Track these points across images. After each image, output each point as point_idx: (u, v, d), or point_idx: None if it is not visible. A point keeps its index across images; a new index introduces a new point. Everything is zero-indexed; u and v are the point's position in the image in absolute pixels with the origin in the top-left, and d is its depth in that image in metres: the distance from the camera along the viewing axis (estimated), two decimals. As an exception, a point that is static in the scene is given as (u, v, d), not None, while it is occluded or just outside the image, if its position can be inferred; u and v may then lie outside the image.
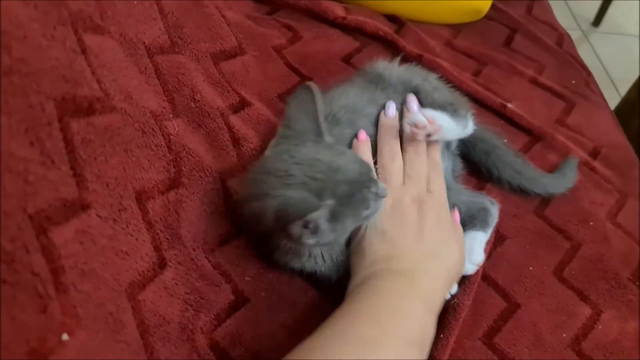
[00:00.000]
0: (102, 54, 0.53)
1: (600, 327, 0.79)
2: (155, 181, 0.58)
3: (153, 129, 0.58)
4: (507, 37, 1.20)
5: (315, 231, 0.58)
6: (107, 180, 0.50)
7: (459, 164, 0.89)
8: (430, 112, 0.78)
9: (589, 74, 1.20)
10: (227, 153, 0.75)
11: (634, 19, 2.67)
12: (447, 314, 0.72)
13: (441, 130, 0.76)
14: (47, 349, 0.38)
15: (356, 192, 0.59)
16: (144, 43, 0.66)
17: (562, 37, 1.25)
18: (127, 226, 0.52)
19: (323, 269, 0.67)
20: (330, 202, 0.57)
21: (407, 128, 0.75)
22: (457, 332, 0.71)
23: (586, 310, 0.80)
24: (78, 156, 0.46)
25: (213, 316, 0.58)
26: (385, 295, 0.60)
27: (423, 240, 0.67)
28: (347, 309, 0.58)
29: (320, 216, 0.57)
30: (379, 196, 0.62)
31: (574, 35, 2.62)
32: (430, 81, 0.85)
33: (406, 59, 1.05)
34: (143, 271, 0.52)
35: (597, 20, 2.66)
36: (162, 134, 0.60)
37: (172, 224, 0.59)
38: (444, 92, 0.86)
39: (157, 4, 0.71)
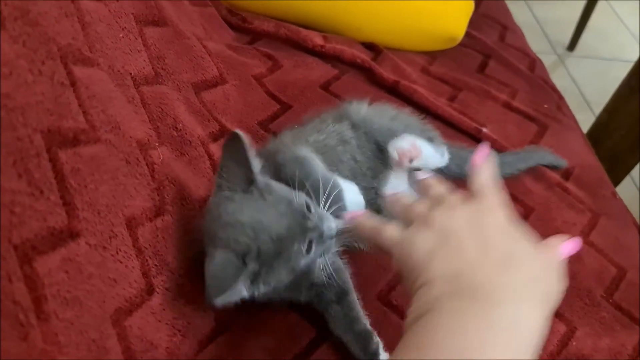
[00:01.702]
0: (92, 85, 0.55)
1: (574, 343, 0.81)
2: (143, 208, 0.59)
3: (137, 159, 0.60)
4: (481, 63, 1.24)
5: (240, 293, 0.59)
6: (99, 207, 0.52)
7: None
8: (412, 137, 0.81)
9: (561, 97, 1.24)
10: (208, 180, 0.77)
11: (608, 43, 2.76)
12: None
13: (421, 155, 0.78)
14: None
15: (282, 249, 0.58)
16: (131, 74, 0.68)
17: (534, 62, 1.30)
18: (117, 253, 0.53)
19: (280, 295, 0.67)
20: (252, 265, 0.57)
21: (393, 154, 0.78)
22: None
23: (561, 328, 0.82)
24: (68, 185, 0.48)
25: (196, 342, 0.60)
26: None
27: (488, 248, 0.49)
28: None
29: (240, 282, 0.57)
30: (323, 238, 0.62)
31: (550, 59, 2.72)
32: (400, 119, 0.88)
33: (383, 85, 1.09)
34: (130, 297, 0.53)
35: (572, 45, 2.74)
36: (146, 163, 0.62)
37: (160, 250, 0.60)
38: (415, 127, 0.88)
39: (141, 37, 0.74)
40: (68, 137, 0.49)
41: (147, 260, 0.57)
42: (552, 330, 0.81)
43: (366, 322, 0.71)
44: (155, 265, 0.59)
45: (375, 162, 0.82)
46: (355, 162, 0.80)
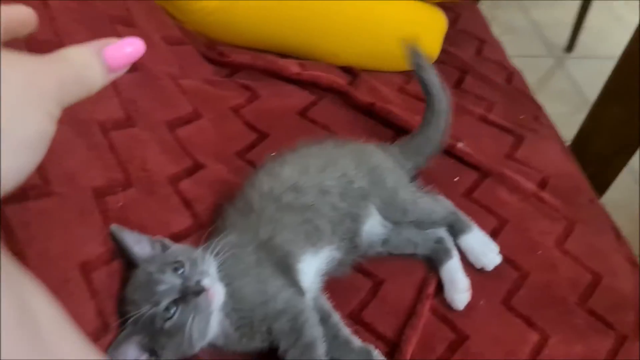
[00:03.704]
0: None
1: (547, 351, 0.83)
2: (97, 253, 0.64)
3: (91, 208, 0.65)
4: (457, 78, 1.27)
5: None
6: (50, 256, 0.56)
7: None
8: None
9: (538, 107, 1.27)
10: (181, 215, 0.81)
11: (607, 42, 2.75)
12: (394, 351, 0.77)
13: None
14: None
15: (145, 317, 0.62)
16: (98, 121, 0.73)
17: (511, 75, 1.32)
18: (70, 296, 0.58)
19: (237, 349, 0.71)
20: (135, 337, 0.63)
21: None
22: (404, 367, 0.76)
23: (534, 337, 0.84)
24: (16, 238, 0.52)
25: None
26: None
27: None
28: None
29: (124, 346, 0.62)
30: (186, 299, 0.64)
31: (548, 62, 2.73)
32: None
33: (360, 107, 1.13)
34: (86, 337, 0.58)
35: (570, 46, 2.74)
36: (99, 211, 0.66)
37: (115, 292, 0.65)
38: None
39: (112, 84, 0.78)
40: (15, 194, 0.54)
41: (102, 301, 0.62)
42: (523, 340, 0.83)
43: (357, 339, 0.75)
44: (111, 305, 0.63)
45: (356, 206, 0.84)
46: (336, 210, 0.82)
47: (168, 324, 0.63)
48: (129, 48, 0.45)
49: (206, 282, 0.65)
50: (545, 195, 1.05)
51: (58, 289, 0.58)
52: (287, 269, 0.76)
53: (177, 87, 0.94)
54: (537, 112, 1.23)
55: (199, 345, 0.66)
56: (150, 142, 0.83)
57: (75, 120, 0.69)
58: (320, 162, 0.86)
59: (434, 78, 1.00)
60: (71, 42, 0.42)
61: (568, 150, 1.20)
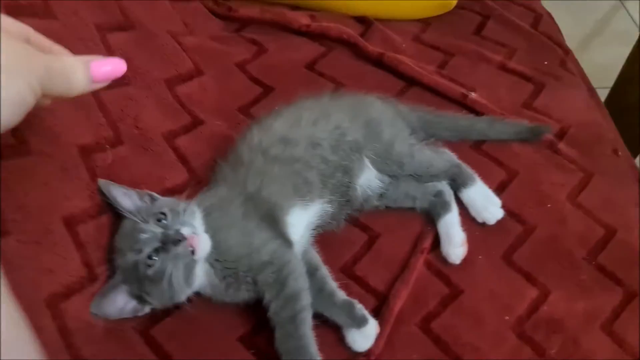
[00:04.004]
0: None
1: (545, 307, 0.81)
2: (83, 207, 0.67)
3: (76, 164, 0.68)
4: (478, 24, 1.21)
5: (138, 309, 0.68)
6: (29, 209, 0.60)
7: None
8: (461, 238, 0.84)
9: (567, 52, 1.19)
10: (177, 170, 0.83)
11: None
12: (382, 304, 0.78)
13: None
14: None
15: (130, 264, 0.66)
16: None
17: (539, 18, 1.24)
18: (54, 246, 0.61)
19: (224, 299, 0.73)
20: (123, 285, 0.66)
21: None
22: (392, 321, 0.76)
23: (533, 292, 0.82)
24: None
25: (135, 322, 0.67)
26: None
27: None
28: None
29: (113, 294, 0.66)
30: (166, 247, 0.66)
31: (608, 4, 2.54)
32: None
33: (369, 59, 1.10)
34: (68, 284, 0.61)
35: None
36: (86, 168, 0.69)
37: (105, 243, 0.68)
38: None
39: (103, 43, 0.80)
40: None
41: (88, 252, 0.65)
42: (521, 295, 0.82)
43: (342, 293, 0.76)
44: (98, 257, 0.66)
45: (348, 159, 0.84)
46: (326, 163, 0.82)
47: (150, 271, 0.66)
48: (108, 67, 0.55)
49: (185, 231, 0.67)
50: (562, 145, 1.00)
51: (40, 239, 0.62)
52: (274, 222, 0.76)
53: (178, 44, 0.95)
54: (564, 58, 1.16)
55: (183, 292, 0.69)
56: (146, 100, 0.84)
57: (61, 81, 0.71)
58: (313, 115, 0.85)
59: None
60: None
61: (596, 98, 1.13)
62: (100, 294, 0.65)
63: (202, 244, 0.69)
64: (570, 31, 1.35)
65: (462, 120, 0.99)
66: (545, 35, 1.19)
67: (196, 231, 0.69)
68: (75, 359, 0.60)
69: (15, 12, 0.65)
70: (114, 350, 0.64)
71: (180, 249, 0.67)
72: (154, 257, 0.66)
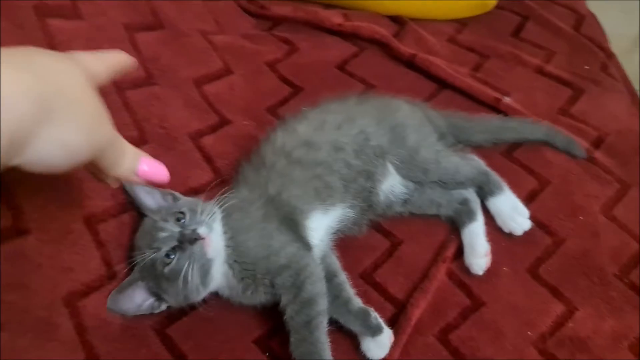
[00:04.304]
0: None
1: (571, 324, 0.78)
2: (105, 207, 0.68)
3: None
4: (517, 26, 1.18)
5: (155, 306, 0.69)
6: (51, 209, 0.61)
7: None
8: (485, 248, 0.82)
9: (610, 55, 1.14)
10: (201, 170, 0.84)
11: None
12: (400, 313, 0.77)
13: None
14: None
15: (148, 262, 0.66)
16: (114, 81, 0.76)
17: (581, 19, 1.19)
18: (74, 246, 0.63)
19: (241, 301, 0.74)
20: (141, 282, 0.67)
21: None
22: (409, 330, 0.75)
23: (558, 308, 0.79)
24: (14, 192, 0.57)
25: (152, 322, 0.68)
26: None
27: None
28: None
29: (130, 290, 0.66)
30: (183, 246, 0.66)
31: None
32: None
33: (401, 59, 1.09)
34: (88, 282, 0.63)
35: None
36: None
37: (125, 242, 0.69)
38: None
39: (130, 42, 0.82)
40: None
41: (109, 251, 0.66)
42: (545, 311, 0.79)
43: (358, 300, 0.75)
44: (119, 255, 0.67)
45: (371, 164, 0.83)
46: (349, 167, 0.81)
47: (167, 269, 0.67)
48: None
49: (201, 230, 0.68)
50: (598, 155, 0.96)
51: (60, 239, 0.63)
52: (293, 225, 0.76)
53: (208, 43, 0.96)
54: (606, 62, 1.11)
55: (199, 292, 0.69)
56: (173, 99, 0.85)
57: (88, 81, 0.72)
58: (337, 119, 0.84)
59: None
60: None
61: (637, 103, 1.08)
62: (118, 290, 0.66)
63: (214, 243, 0.69)
64: (623, 31, 1.29)
65: (493, 121, 0.97)
66: (587, 37, 1.15)
67: (212, 231, 0.70)
68: (90, 356, 0.61)
69: (43, 13, 0.67)
70: (129, 348, 0.65)
71: (196, 248, 0.67)
72: (171, 256, 0.67)
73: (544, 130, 0.95)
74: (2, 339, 0.53)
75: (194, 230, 0.67)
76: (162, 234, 0.67)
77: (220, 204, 0.74)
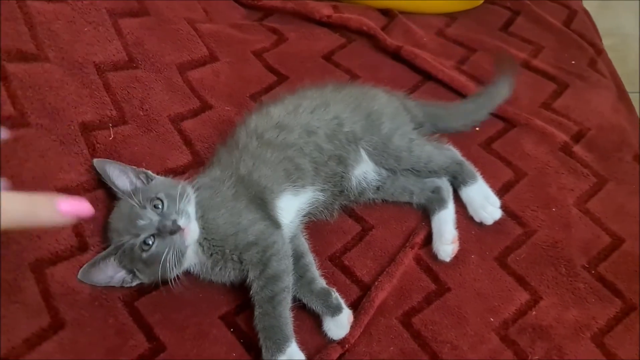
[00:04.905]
0: (28, 78, 0.68)
1: (534, 313, 0.79)
2: (79, 181, 0.71)
3: (75, 139, 0.72)
4: (506, 20, 1.18)
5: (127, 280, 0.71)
6: (22, 179, 0.64)
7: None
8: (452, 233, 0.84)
9: (600, 51, 1.14)
10: (180, 152, 0.86)
11: None
12: (364, 295, 0.78)
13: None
14: None
15: (125, 245, 0.68)
16: (94, 62, 0.80)
17: (573, 15, 1.19)
18: (45, 216, 0.66)
19: (211, 278, 0.76)
20: (114, 257, 0.69)
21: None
22: (372, 312, 0.76)
23: (523, 296, 0.80)
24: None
25: (122, 294, 0.71)
26: None
27: None
28: None
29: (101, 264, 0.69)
30: (162, 235, 0.68)
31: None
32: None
33: (387, 51, 1.10)
34: (56, 252, 0.66)
35: None
36: (86, 143, 0.73)
37: (99, 216, 0.72)
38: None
39: (114, 27, 0.85)
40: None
41: (81, 223, 0.69)
42: (510, 298, 0.80)
43: (322, 281, 0.77)
44: (91, 228, 0.70)
45: (344, 149, 0.84)
46: (320, 151, 0.83)
47: (145, 255, 0.69)
48: (77, 205, 0.53)
49: (182, 222, 0.70)
50: (577, 149, 0.96)
51: (31, 210, 0.66)
52: (263, 204, 0.78)
53: (194, 30, 0.98)
54: (595, 57, 1.11)
55: (173, 273, 0.71)
56: (154, 83, 0.88)
57: (68, 60, 0.76)
58: (312, 104, 0.86)
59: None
60: None
61: (626, 101, 1.08)
62: (91, 263, 0.69)
63: (192, 232, 0.71)
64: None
65: (468, 104, 0.99)
66: (577, 33, 1.15)
67: (190, 219, 0.71)
68: (54, 321, 0.64)
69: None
70: (96, 317, 0.68)
71: (176, 237, 0.69)
72: (150, 242, 0.69)
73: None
74: (-37, 296, 0.56)
75: (174, 222, 0.69)
76: (141, 222, 0.69)
77: (195, 184, 0.77)
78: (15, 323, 0.59)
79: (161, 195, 0.72)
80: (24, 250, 0.63)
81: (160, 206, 0.71)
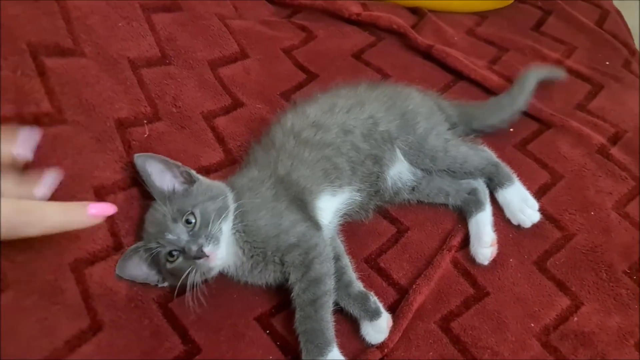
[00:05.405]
0: (66, 74, 0.66)
1: (576, 319, 0.77)
2: (114, 179, 0.70)
3: (111, 136, 0.70)
4: (538, 19, 1.16)
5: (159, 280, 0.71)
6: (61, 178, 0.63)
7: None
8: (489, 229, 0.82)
9: (633, 52, 1.12)
10: (213, 150, 0.85)
11: None
12: (401, 299, 0.76)
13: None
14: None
15: (150, 247, 0.68)
16: (128, 58, 0.78)
17: (605, 15, 1.17)
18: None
19: (247, 280, 0.75)
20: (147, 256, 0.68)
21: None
22: (410, 316, 0.74)
23: (564, 302, 0.78)
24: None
25: (156, 295, 0.69)
26: None
27: None
28: None
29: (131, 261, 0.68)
30: (186, 255, 0.67)
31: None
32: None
33: (418, 50, 1.08)
34: (94, 252, 0.64)
35: None
36: (122, 140, 0.72)
37: (134, 215, 0.70)
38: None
39: (148, 23, 0.83)
40: (27, 121, 0.60)
41: (117, 223, 0.68)
42: (550, 304, 0.78)
43: (359, 284, 0.76)
44: (126, 227, 0.69)
45: (379, 148, 0.83)
46: (357, 151, 0.81)
47: (169, 266, 0.68)
48: (103, 209, 0.59)
49: (208, 249, 0.67)
50: (614, 151, 0.94)
51: (68, 208, 0.65)
52: (303, 205, 0.77)
53: (225, 26, 0.97)
54: (629, 58, 1.09)
55: (197, 285, 0.69)
56: (187, 79, 0.87)
57: (103, 55, 0.74)
58: (347, 103, 0.84)
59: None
60: None
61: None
62: (123, 257, 0.68)
63: (219, 259, 0.69)
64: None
65: (502, 99, 0.97)
66: (610, 33, 1.13)
67: (219, 245, 0.69)
68: (93, 323, 0.62)
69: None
70: (132, 319, 0.67)
71: (200, 262, 0.68)
72: (175, 254, 0.68)
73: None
74: (8, 297, 0.55)
75: (199, 249, 0.67)
76: (169, 236, 0.67)
77: (231, 184, 0.75)
78: (56, 324, 0.58)
79: (196, 211, 0.69)
80: (64, 250, 0.61)
81: (192, 221, 0.69)
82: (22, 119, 0.61)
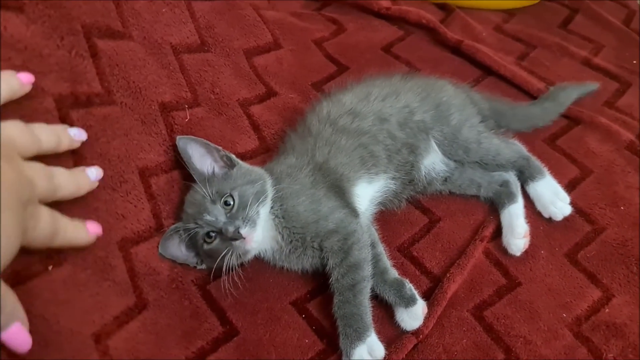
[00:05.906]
0: (116, 56, 0.67)
1: (607, 310, 0.78)
2: (158, 161, 0.71)
3: (155, 119, 0.71)
4: (565, 17, 1.17)
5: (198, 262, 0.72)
6: (109, 157, 0.64)
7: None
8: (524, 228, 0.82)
9: (661, 52, 1.13)
10: (248, 137, 0.86)
11: None
12: (436, 287, 0.77)
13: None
14: (31, 273, 0.53)
15: (189, 227, 0.69)
16: (171, 43, 0.79)
17: (632, 14, 1.18)
18: (127, 195, 0.65)
19: (284, 265, 0.76)
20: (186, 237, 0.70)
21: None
22: (444, 304, 0.75)
23: (595, 294, 0.79)
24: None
25: (195, 276, 0.71)
26: None
27: None
28: None
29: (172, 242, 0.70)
30: (223, 236, 0.67)
31: None
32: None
33: (447, 45, 1.09)
34: (138, 231, 0.65)
35: None
36: (165, 123, 0.73)
37: (174, 198, 0.71)
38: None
39: (188, 9, 0.84)
40: (81, 100, 0.61)
41: (159, 205, 0.69)
42: (581, 295, 0.79)
43: (394, 271, 0.76)
44: (167, 210, 0.70)
45: (415, 137, 0.84)
46: (393, 139, 0.82)
47: (206, 247, 0.69)
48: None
49: (245, 231, 0.68)
50: (643, 148, 0.95)
51: (115, 187, 0.66)
52: (341, 192, 0.78)
53: (259, 17, 0.98)
54: (656, 58, 1.10)
55: (233, 267, 0.70)
56: (224, 67, 0.88)
57: (149, 39, 0.75)
58: (382, 92, 0.85)
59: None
60: None
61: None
62: (164, 236, 0.69)
63: (255, 241, 0.70)
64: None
65: (533, 109, 0.97)
66: (637, 32, 1.14)
67: (256, 227, 0.70)
68: (139, 300, 0.63)
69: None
70: (173, 299, 0.68)
71: (237, 243, 0.68)
72: (212, 235, 0.69)
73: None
74: (66, 270, 0.56)
75: (236, 230, 0.68)
76: (207, 217, 0.68)
77: (269, 170, 0.76)
78: (107, 300, 0.59)
79: (235, 193, 0.70)
80: (111, 229, 0.62)
81: (231, 203, 0.70)
82: (76, 98, 0.62)
